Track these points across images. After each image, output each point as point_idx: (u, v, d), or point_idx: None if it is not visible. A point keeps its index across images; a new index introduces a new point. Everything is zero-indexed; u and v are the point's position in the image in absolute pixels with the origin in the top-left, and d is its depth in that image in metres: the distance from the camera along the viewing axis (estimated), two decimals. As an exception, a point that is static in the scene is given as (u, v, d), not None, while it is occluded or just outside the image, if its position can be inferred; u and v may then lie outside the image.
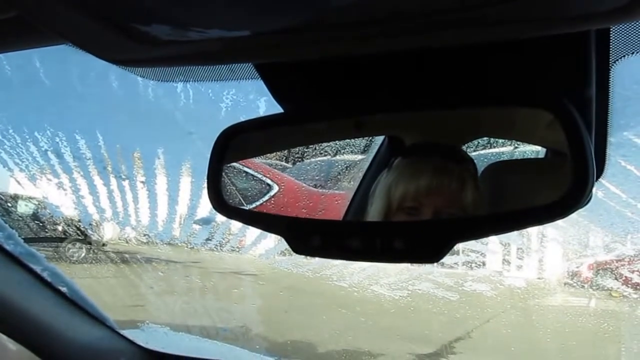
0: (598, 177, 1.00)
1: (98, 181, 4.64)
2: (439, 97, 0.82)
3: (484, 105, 0.81)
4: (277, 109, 0.96)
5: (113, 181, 4.73)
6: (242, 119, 0.95)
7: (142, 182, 4.77)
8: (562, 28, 0.52)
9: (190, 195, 4.79)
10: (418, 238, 0.78)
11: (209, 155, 0.94)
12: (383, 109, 0.88)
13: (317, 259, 7.11)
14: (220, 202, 0.94)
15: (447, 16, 0.51)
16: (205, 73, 1.07)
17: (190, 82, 1.13)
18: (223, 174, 0.95)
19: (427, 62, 0.78)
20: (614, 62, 0.88)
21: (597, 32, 0.76)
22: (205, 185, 0.94)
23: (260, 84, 0.95)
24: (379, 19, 0.52)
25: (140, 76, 1.12)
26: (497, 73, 0.79)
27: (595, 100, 0.86)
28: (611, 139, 1.03)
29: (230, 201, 0.97)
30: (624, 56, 0.88)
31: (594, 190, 0.72)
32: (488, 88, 0.80)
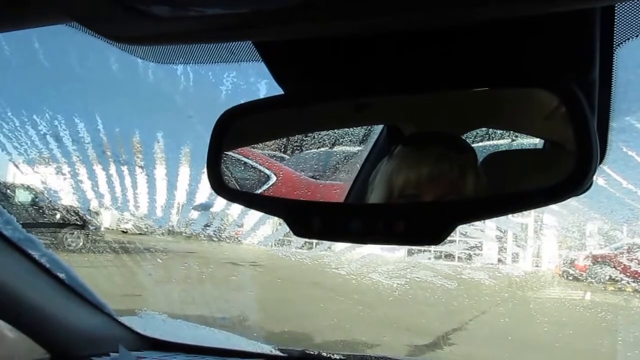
0: (600, 162, 1.00)
1: (97, 166, 4.62)
2: (442, 78, 0.82)
3: (486, 86, 0.80)
4: (278, 92, 0.96)
5: (112, 166, 4.71)
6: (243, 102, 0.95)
7: (141, 167, 4.75)
8: (567, 5, 0.52)
9: (190, 180, 4.77)
10: (419, 220, 0.78)
11: (209, 139, 0.94)
12: (386, 90, 0.87)
13: (315, 248, 7.14)
14: (220, 185, 0.93)
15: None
16: (205, 55, 1.06)
17: (191, 65, 1.12)
18: (222, 159, 0.94)
19: (430, 42, 0.77)
20: (618, 46, 0.88)
21: (602, 13, 0.75)
22: (205, 168, 0.93)
23: (260, 67, 0.94)
24: None
25: (141, 57, 1.11)
26: (501, 54, 0.78)
27: (599, 83, 0.85)
28: (613, 124, 1.03)
29: (230, 184, 0.97)
30: (628, 39, 0.87)
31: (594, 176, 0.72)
32: (491, 70, 0.79)
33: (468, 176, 0.94)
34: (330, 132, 1.29)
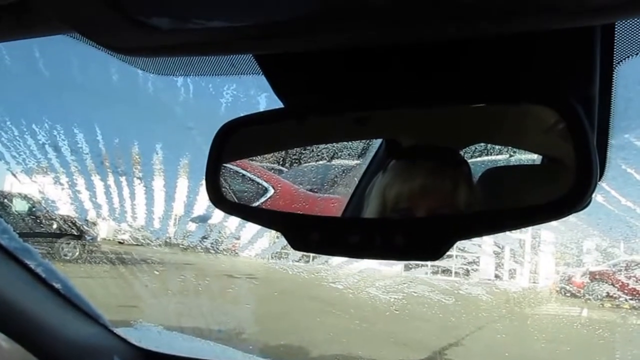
0: (599, 179, 1.00)
1: (95, 177, 4.62)
2: (442, 93, 0.82)
3: (487, 102, 0.80)
4: (278, 105, 0.96)
5: (110, 177, 4.70)
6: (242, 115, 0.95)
7: (139, 178, 4.75)
8: (567, 22, 0.52)
9: (189, 192, 4.77)
10: (418, 235, 0.78)
11: (207, 151, 0.94)
12: (385, 104, 0.87)
13: (312, 261, 7.12)
14: (219, 198, 0.93)
15: (451, 7, 0.50)
16: (206, 67, 1.06)
17: (191, 77, 1.12)
18: (221, 171, 0.94)
19: (431, 57, 0.77)
20: (618, 63, 0.88)
21: (603, 31, 0.76)
22: (204, 180, 0.93)
23: (260, 80, 0.94)
24: (382, 9, 0.52)
25: (141, 69, 1.11)
26: (501, 70, 0.78)
27: (598, 100, 0.86)
28: (612, 141, 1.03)
29: (229, 196, 0.97)
30: (628, 57, 0.87)
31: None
32: (491, 86, 0.79)
33: (460, 190, 0.94)
34: (329, 145, 1.29)
